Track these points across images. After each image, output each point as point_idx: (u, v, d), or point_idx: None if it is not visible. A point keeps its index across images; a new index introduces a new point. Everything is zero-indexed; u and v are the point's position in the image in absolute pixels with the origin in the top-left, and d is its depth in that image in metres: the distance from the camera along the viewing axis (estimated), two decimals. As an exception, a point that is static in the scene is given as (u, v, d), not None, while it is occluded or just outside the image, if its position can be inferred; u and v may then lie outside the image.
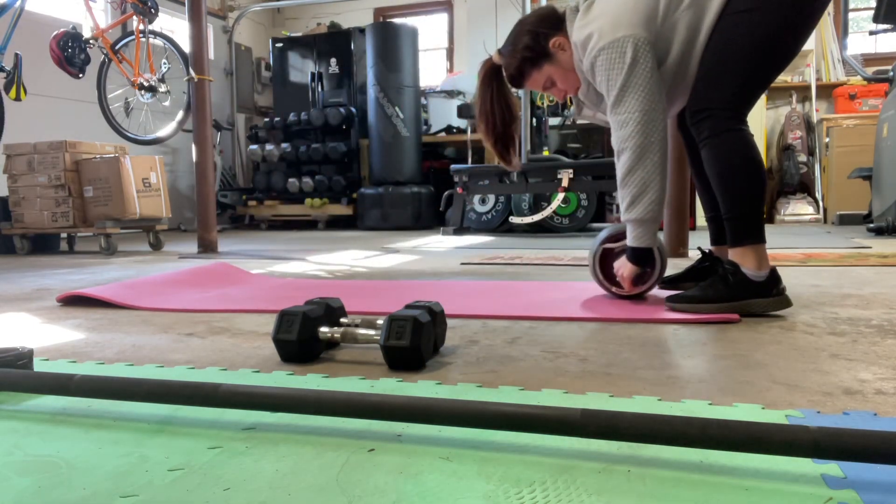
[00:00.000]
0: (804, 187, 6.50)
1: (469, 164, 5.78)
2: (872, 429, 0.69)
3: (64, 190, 4.03)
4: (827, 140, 6.20)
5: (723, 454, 0.74)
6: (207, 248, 3.84)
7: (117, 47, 3.92)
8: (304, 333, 1.21)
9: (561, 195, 4.76)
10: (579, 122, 6.43)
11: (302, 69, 7.14)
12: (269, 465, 0.75)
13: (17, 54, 3.61)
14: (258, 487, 0.69)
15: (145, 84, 3.81)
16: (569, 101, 5.90)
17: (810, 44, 6.33)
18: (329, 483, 0.70)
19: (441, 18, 8.22)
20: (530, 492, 0.67)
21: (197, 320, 1.70)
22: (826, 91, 6.67)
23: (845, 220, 5.50)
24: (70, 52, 3.81)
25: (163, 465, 0.75)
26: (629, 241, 1.69)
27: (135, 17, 3.79)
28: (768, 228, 1.83)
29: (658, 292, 1.88)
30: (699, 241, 2.42)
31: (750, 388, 1.01)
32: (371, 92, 6.37)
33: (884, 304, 1.74)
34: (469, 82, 6.89)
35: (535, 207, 5.19)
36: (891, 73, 4.53)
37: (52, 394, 0.94)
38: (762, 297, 1.58)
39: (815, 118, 6.59)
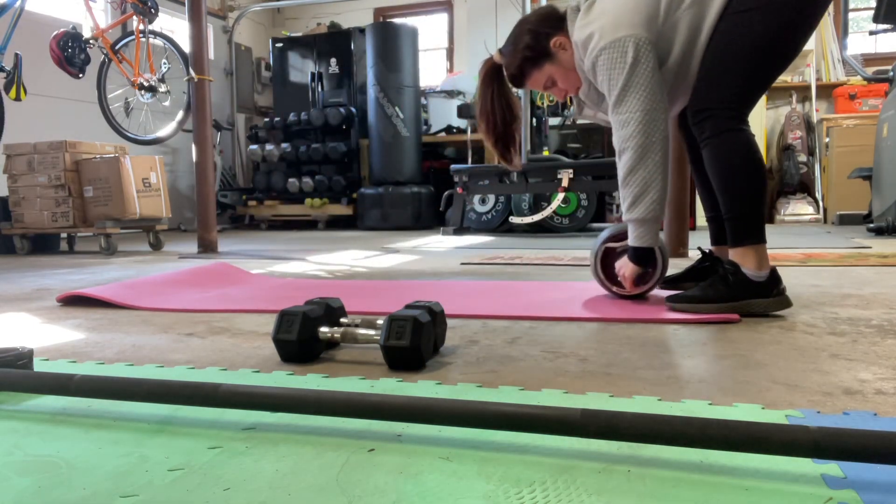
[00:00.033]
0: (804, 187, 6.50)
1: (469, 164, 5.78)
2: (872, 429, 0.69)
3: (64, 190, 4.03)
4: (827, 140, 6.20)
5: (723, 454, 0.74)
6: (207, 248, 3.84)
7: (117, 47, 3.92)
8: (304, 333, 1.21)
9: (561, 195, 4.76)
10: (579, 122, 6.43)
11: (302, 69, 7.14)
12: (269, 465, 0.75)
13: (17, 54, 3.61)
14: (258, 487, 0.69)
15: (145, 84, 3.81)
16: (569, 102, 5.90)
17: (810, 44, 6.33)
18: (329, 483, 0.70)
19: (441, 18, 8.22)
20: (530, 492, 0.67)
21: (197, 320, 1.70)
22: (826, 91, 6.67)
23: (845, 220, 5.50)
24: (70, 52, 3.81)
25: (163, 465, 0.75)
26: (631, 240, 1.69)
27: (135, 17, 3.79)
28: (768, 228, 1.84)
29: (658, 292, 1.88)
30: (699, 241, 2.42)
31: (750, 388, 1.01)
32: (371, 92, 6.37)
33: (884, 304, 1.74)
34: (469, 82, 6.89)
35: (535, 207, 5.19)
36: (891, 73, 4.53)
37: (52, 394, 0.94)
38: (762, 297, 1.58)
39: (815, 118, 6.59)
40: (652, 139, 1.59)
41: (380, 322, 1.25)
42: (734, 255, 1.61)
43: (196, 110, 3.78)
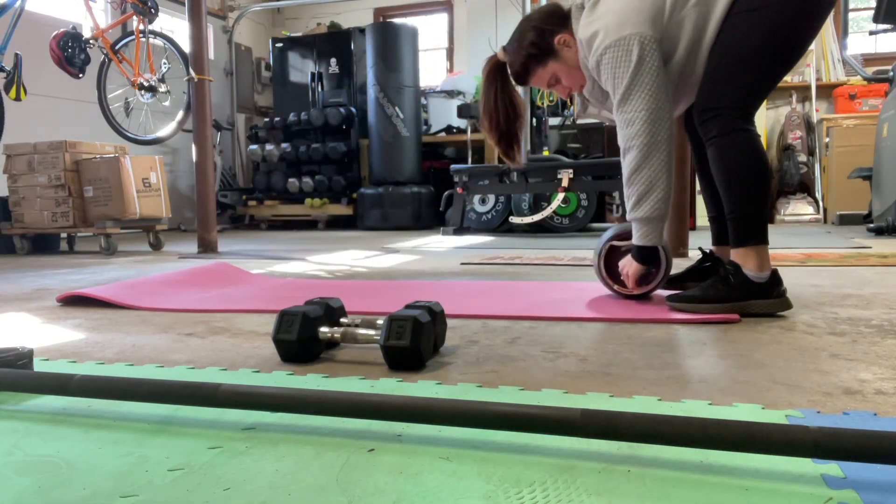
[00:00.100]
0: (804, 187, 6.50)
1: (469, 164, 5.78)
2: (872, 429, 0.69)
3: (64, 190, 4.03)
4: (827, 140, 6.20)
5: (723, 454, 0.74)
6: (207, 248, 3.84)
7: (117, 47, 3.92)
8: (304, 333, 1.21)
9: (561, 195, 4.76)
10: (579, 122, 6.43)
11: (302, 69, 7.14)
12: (269, 465, 0.75)
13: (17, 54, 3.61)
14: (258, 487, 0.69)
15: (145, 84, 3.81)
16: (569, 102, 5.91)
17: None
18: (329, 483, 0.70)
19: (441, 18, 8.22)
20: (530, 492, 0.67)
21: (197, 320, 1.70)
22: (826, 91, 6.67)
23: (845, 220, 5.50)
24: (70, 52, 3.81)
25: (163, 465, 0.75)
26: (635, 239, 1.69)
27: (135, 17, 3.79)
28: (768, 228, 1.83)
29: (658, 292, 1.88)
30: (699, 241, 2.42)
31: (750, 388, 1.01)
32: (371, 92, 6.37)
33: (884, 304, 1.74)
34: (469, 82, 6.89)
35: (535, 207, 5.19)
36: (891, 73, 4.53)
37: (52, 394, 0.94)
38: (763, 298, 1.58)
39: (815, 118, 6.59)
40: (657, 138, 1.59)
41: (380, 322, 1.25)
42: (736, 255, 1.60)
43: (196, 110, 3.78)
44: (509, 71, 1.80)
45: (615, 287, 1.83)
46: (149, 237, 4.26)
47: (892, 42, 6.59)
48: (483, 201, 5.51)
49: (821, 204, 6.30)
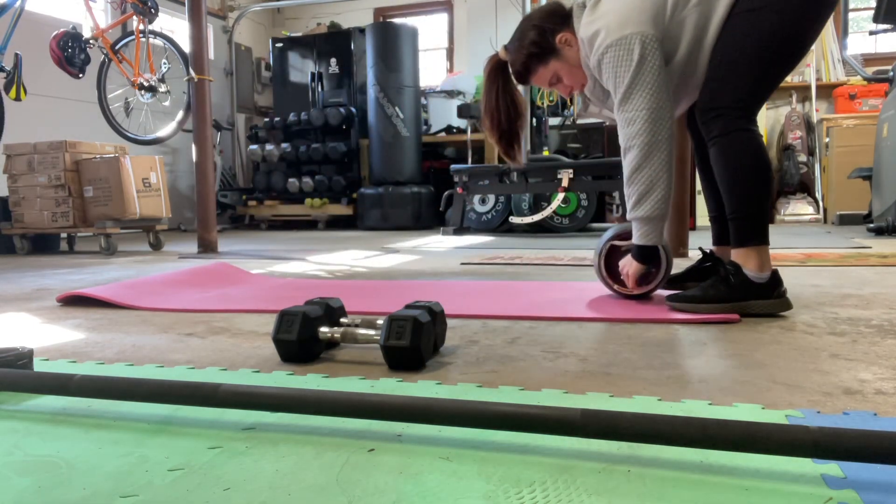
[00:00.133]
0: (804, 187, 6.50)
1: (469, 164, 5.78)
2: (872, 429, 0.69)
3: (64, 190, 4.03)
4: (827, 140, 6.20)
5: (723, 454, 0.74)
6: (207, 248, 3.84)
7: (117, 47, 3.92)
8: (304, 333, 1.21)
9: (561, 195, 4.76)
10: (579, 122, 6.43)
11: (302, 69, 7.14)
12: (269, 465, 0.75)
13: (17, 54, 3.61)
14: (258, 487, 0.69)
15: (145, 84, 3.81)
16: (569, 102, 5.91)
17: (810, 44, 6.32)
18: (329, 483, 0.70)
19: (441, 18, 8.22)
20: (530, 492, 0.67)
21: (197, 320, 1.70)
22: (826, 91, 6.67)
23: (845, 220, 5.50)
24: (70, 52, 3.81)
25: (163, 465, 0.75)
26: (635, 238, 1.68)
27: (135, 17, 3.79)
28: (768, 228, 1.84)
29: (659, 292, 1.88)
30: (699, 241, 2.42)
31: (750, 388, 1.01)
32: (371, 92, 6.37)
33: (884, 304, 1.74)
34: (469, 82, 6.89)
35: (535, 207, 5.19)
36: (891, 73, 4.53)
37: (52, 394, 0.94)
38: (763, 298, 1.58)
39: (815, 118, 6.59)
40: (658, 137, 1.59)
41: (380, 322, 1.25)
42: (737, 255, 1.60)
43: (196, 110, 3.78)
44: (510, 70, 1.81)
45: (615, 287, 1.83)
46: (149, 237, 4.26)
47: (892, 42, 6.59)
48: (483, 201, 5.51)
49: (821, 204, 6.30)
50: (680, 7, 1.59)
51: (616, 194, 5.86)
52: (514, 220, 5.11)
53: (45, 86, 5.33)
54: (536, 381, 1.08)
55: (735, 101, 1.58)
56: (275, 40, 7.33)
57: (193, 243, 4.53)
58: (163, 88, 3.86)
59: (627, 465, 0.72)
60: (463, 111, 5.83)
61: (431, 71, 7.96)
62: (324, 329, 1.25)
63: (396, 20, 7.71)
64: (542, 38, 1.73)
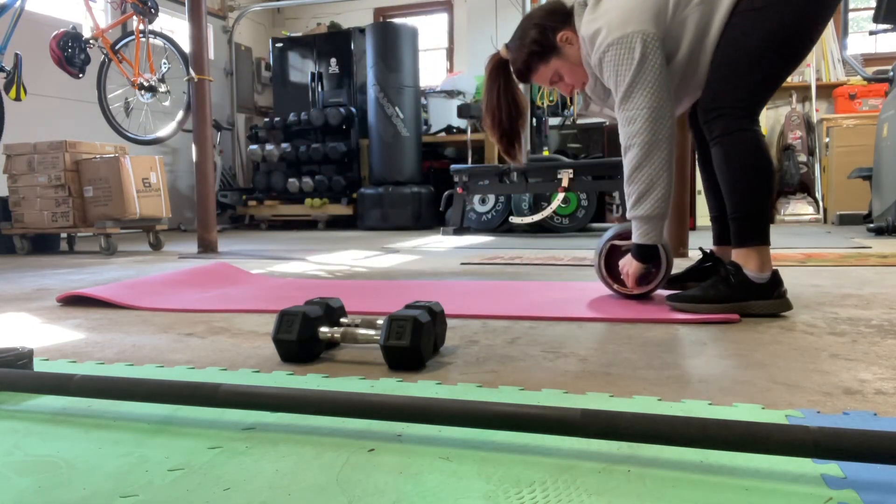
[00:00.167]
0: (804, 187, 6.50)
1: (469, 164, 5.78)
2: (872, 429, 0.69)
3: (64, 190, 4.03)
4: (827, 140, 6.20)
5: (723, 454, 0.74)
6: (207, 248, 3.84)
7: (117, 47, 3.92)
8: (304, 333, 1.21)
9: (561, 195, 4.76)
10: (579, 122, 6.43)
11: (302, 69, 7.14)
12: (269, 465, 0.75)
13: (17, 54, 3.61)
14: (258, 487, 0.69)
15: (145, 84, 3.81)
16: (568, 102, 5.91)
17: (810, 44, 6.31)
18: (329, 483, 0.70)
19: (441, 18, 8.22)
20: (530, 492, 0.67)
21: (197, 320, 1.70)
22: (826, 91, 6.67)
23: (845, 220, 5.50)
24: (70, 52, 3.81)
25: (163, 465, 0.75)
26: (635, 237, 1.68)
27: (135, 17, 3.79)
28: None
29: (659, 292, 1.88)
30: (699, 241, 2.42)
31: (750, 388, 1.01)
32: (371, 92, 6.37)
33: (884, 304, 1.74)
34: (469, 82, 6.89)
35: (535, 207, 5.19)
36: (891, 73, 4.53)
37: (52, 394, 0.94)
38: (763, 298, 1.58)
39: (815, 118, 6.59)
40: (658, 136, 1.58)
41: (380, 322, 1.25)
42: (737, 255, 1.60)
43: (196, 110, 3.78)
44: (511, 68, 1.81)
45: (615, 287, 1.83)
46: (149, 237, 4.26)
47: (892, 42, 6.59)
48: (483, 201, 5.51)
49: (821, 204, 6.30)
50: (682, 6, 1.59)
51: (616, 194, 5.86)
52: (514, 220, 5.11)
53: (45, 86, 5.33)
54: (536, 381, 1.08)
55: (737, 101, 1.57)
56: (275, 40, 7.33)
57: (193, 243, 4.53)
58: (163, 88, 3.86)
59: (627, 465, 0.72)
60: (463, 111, 5.83)
61: (431, 71, 7.96)
62: (324, 329, 1.25)
63: (396, 20, 7.71)
64: (544, 36, 1.73)
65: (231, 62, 7.83)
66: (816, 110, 6.62)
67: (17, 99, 3.62)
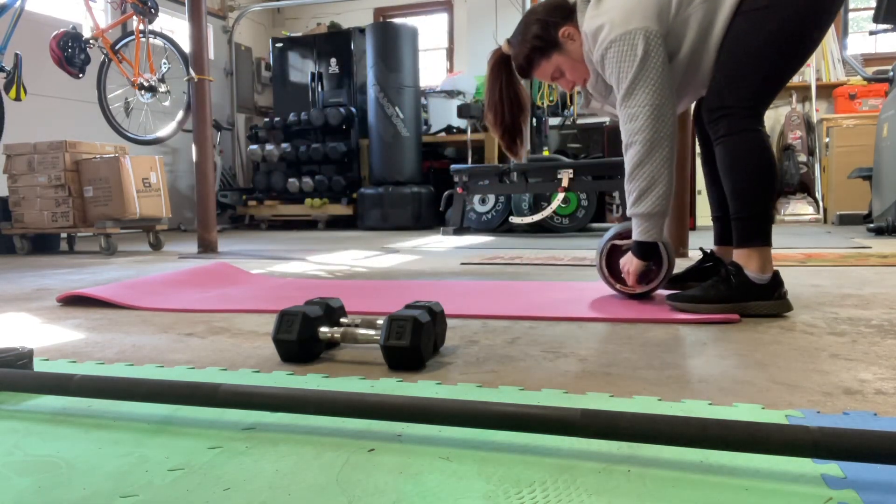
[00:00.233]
0: (804, 187, 6.50)
1: (469, 164, 5.78)
2: (872, 429, 0.69)
3: (64, 190, 4.03)
4: (827, 140, 6.20)
5: (723, 454, 0.74)
6: (207, 248, 3.84)
7: (117, 47, 3.92)
8: (304, 333, 1.21)
9: (561, 195, 4.76)
10: (579, 122, 6.43)
11: (302, 69, 7.14)
12: (269, 465, 0.75)
13: (17, 54, 3.61)
14: (258, 487, 0.69)
15: (145, 84, 3.81)
16: (569, 101, 5.90)
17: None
18: (329, 483, 0.70)
19: (441, 18, 8.22)
20: (530, 492, 0.67)
21: (197, 320, 1.70)
22: (826, 91, 6.67)
23: (845, 220, 5.50)
24: (70, 52, 3.81)
25: (163, 465, 0.75)
26: (635, 235, 1.68)
27: (135, 17, 3.79)
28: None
29: (659, 291, 1.88)
30: (699, 241, 2.42)
31: (750, 388, 1.01)
32: (371, 92, 6.37)
33: (884, 304, 1.74)
34: (469, 82, 6.89)
35: (535, 207, 5.19)
36: (891, 73, 4.53)
37: (52, 394, 0.94)
38: (763, 299, 1.57)
39: (815, 118, 6.59)
40: (660, 134, 1.58)
41: (380, 322, 1.25)
42: (738, 255, 1.60)
43: (196, 110, 3.78)
44: (513, 63, 1.81)
45: (617, 286, 1.83)
46: (149, 237, 4.26)
47: (892, 42, 6.59)
48: (483, 201, 5.51)
49: (821, 204, 6.30)
50: (685, 4, 1.59)
51: (616, 194, 5.86)
52: (514, 220, 5.11)
53: (45, 86, 5.33)
54: (536, 381, 1.08)
55: (741, 101, 1.57)
56: (275, 40, 7.33)
57: (193, 243, 4.53)
58: (163, 88, 3.86)
59: (627, 465, 0.72)
60: (463, 111, 5.83)
61: (431, 71, 7.96)
62: (324, 329, 1.25)
63: (396, 20, 7.71)
64: (545, 31, 1.73)
65: (231, 62, 7.83)
66: (816, 110, 6.62)
67: (17, 99, 3.62)
